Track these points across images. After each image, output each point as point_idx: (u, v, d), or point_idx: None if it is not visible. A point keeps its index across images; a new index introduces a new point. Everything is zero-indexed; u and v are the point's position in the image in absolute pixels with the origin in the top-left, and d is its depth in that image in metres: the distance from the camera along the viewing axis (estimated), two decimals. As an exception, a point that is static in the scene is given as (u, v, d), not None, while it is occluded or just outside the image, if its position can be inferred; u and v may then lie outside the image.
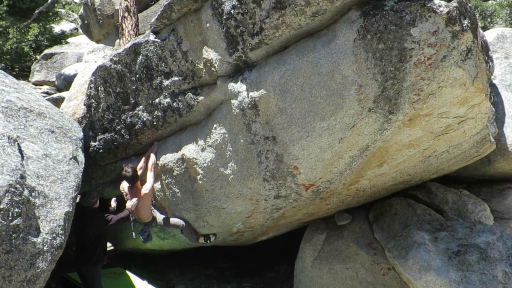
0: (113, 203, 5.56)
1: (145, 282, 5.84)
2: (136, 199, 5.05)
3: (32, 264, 3.59)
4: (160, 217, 5.40)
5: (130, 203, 5.05)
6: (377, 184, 4.83)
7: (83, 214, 4.92)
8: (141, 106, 5.14)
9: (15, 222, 3.44)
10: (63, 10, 21.43)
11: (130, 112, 5.27)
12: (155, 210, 5.46)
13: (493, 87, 5.54)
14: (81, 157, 4.99)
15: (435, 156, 4.56)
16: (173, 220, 5.42)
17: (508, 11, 12.86)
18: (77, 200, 4.92)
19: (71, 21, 21.34)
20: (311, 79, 3.77)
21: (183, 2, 4.34)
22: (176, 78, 4.73)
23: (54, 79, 12.53)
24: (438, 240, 4.75)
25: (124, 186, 5.15)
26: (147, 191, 4.99)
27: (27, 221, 3.64)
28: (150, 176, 5.06)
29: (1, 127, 3.97)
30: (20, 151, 4.02)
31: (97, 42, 11.39)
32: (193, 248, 6.67)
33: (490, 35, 6.23)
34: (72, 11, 22.85)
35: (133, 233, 5.29)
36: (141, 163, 5.23)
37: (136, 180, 5.03)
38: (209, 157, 4.77)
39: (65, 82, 11.64)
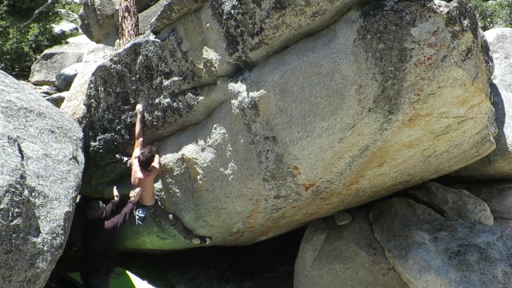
0: (115, 192, 5.50)
1: (145, 282, 5.83)
2: (139, 188, 5.07)
3: (32, 264, 3.58)
4: (163, 210, 5.49)
5: (133, 193, 5.06)
6: (377, 184, 4.83)
7: (90, 226, 4.84)
8: (141, 106, 5.13)
9: (15, 222, 3.44)
10: (63, 10, 21.42)
11: (130, 112, 5.27)
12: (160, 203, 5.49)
13: (493, 87, 5.55)
14: (81, 157, 4.99)
15: (435, 156, 4.56)
16: (171, 216, 5.52)
17: (508, 11, 12.85)
18: (77, 200, 4.89)
19: (71, 21, 21.33)
20: (311, 79, 3.77)
21: (183, 2, 4.35)
22: (176, 78, 4.73)
23: (54, 79, 12.52)
24: (438, 240, 4.75)
25: (136, 164, 5.14)
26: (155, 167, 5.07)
27: (27, 221, 3.64)
28: (156, 157, 5.14)
29: (1, 127, 3.97)
30: (20, 151, 4.02)
31: (97, 42, 11.38)
32: (193, 248, 6.67)
33: (490, 35, 6.24)
34: (72, 11, 22.83)
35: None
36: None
37: (148, 165, 5.04)
38: (209, 157, 4.77)
39: (65, 82, 11.63)
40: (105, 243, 4.84)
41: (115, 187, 5.60)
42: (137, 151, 5.13)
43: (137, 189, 5.07)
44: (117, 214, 5.02)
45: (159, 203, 5.45)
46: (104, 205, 4.98)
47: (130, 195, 5.10)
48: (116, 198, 5.43)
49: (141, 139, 5.16)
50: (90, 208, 4.85)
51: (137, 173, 5.06)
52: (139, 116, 5.12)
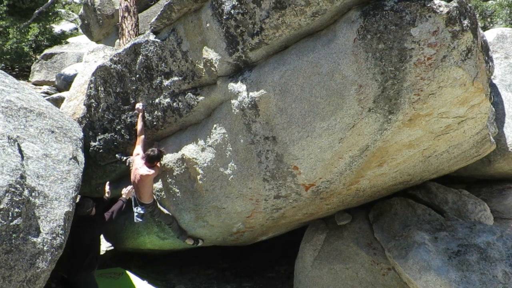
0: (107, 188, 5.51)
1: (145, 282, 5.83)
2: (131, 186, 5.09)
3: (32, 264, 3.59)
4: (162, 208, 5.50)
5: (125, 190, 5.09)
6: (377, 184, 4.83)
7: (79, 222, 4.89)
8: (141, 106, 5.13)
9: (15, 222, 3.45)
10: (63, 10, 21.44)
11: (130, 112, 5.27)
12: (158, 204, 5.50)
13: (493, 87, 5.54)
14: (81, 157, 5.00)
15: (435, 156, 4.56)
16: (168, 215, 5.54)
17: (508, 11, 12.85)
18: (77, 200, 4.91)
19: (71, 21, 21.35)
20: (311, 79, 3.77)
21: (183, 2, 4.35)
22: (176, 78, 4.73)
23: (54, 79, 12.53)
24: (438, 240, 4.75)
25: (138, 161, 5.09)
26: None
27: (27, 221, 3.65)
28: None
29: (1, 127, 3.97)
30: (20, 151, 4.02)
31: (97, 42, 11.39)
32: (193, 248, 6.66)
33: (490, 35, 6.23)
34: (72, 11, 22.86)
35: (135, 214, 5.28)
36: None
37: (152, 163, 4.98)
38: (209, 157, 4.77)
39: (65, 82, 11.65)
40: (89, 238, 4.93)
41: (107, 183, 5.61)
42: (138, 149, 5.12)
43: (129, 187, 5.10)
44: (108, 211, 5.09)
45: (158, 203, 5.45)
46: (94, 203, 5.04)
47: (122, 192, 5.11)
48: (107, 195, 5.46)
49: (142, 136, 5.15)
50: (80, 205, 4.92)
51: (138, 169, 5.01)
52: (140, 114, 5.12)
